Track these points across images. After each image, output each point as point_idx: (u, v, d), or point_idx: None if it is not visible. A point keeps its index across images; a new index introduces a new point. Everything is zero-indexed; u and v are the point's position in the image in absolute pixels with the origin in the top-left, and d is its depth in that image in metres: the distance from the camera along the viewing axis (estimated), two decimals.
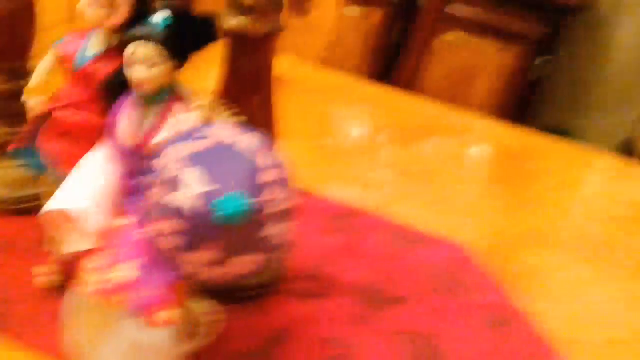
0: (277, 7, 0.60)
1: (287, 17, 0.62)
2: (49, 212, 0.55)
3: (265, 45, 0.62)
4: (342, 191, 0.95)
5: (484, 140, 1.21)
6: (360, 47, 2.24)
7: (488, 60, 2.15)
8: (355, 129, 1.15)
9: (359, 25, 2.20)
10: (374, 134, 1.16)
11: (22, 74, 0.73)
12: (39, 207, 0.76)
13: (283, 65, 0.68)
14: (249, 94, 0.65)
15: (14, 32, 0.69)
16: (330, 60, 1.53)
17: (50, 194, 0.64)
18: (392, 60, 2.28)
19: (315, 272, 0.79)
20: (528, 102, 2.07)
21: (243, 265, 0.58)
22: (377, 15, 2.22)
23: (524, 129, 1.26)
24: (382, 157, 1.09)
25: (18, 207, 0.76)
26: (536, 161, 1.15)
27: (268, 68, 0.64)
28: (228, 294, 0.67)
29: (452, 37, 2.09)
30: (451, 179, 1.06)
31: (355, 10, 2.12)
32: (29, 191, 0.76)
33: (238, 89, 0.64)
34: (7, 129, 0.75)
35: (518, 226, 0.95)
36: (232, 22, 0.59)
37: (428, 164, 1.09)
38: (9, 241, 0.73)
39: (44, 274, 0.68)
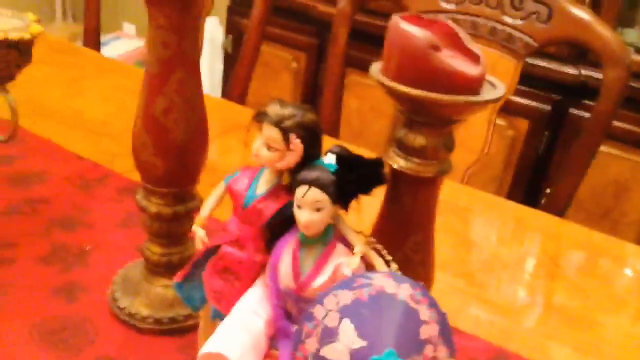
0: (448, 148, 0.57)
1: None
2: (207, 355, 0.54)
3: (432, 185, 0.59)
4: (502, 330, 0.87)
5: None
6: (504, 157, 2.16)
7: None
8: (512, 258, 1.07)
9: (503, 134, 2.13)
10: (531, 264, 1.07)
11: (189, 197, 0.76)
12: (180, 329, 0.78)
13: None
14: (407, 234, 0.61)
15: (186, 161, 0.72)
16: (475, 173, 1.48)
17: (206, 327, 0.64)
18: (536, 171, 2.18)
19: None
20: None
21: None
22: (522, 125, 2.15)
23: None
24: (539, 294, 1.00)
25: (160, 327, 0.77)
26: None
27: (432, 208, 0.61)
28: None
29: (607, 149, 1.96)
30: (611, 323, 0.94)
31: (500, 120, 2.07)
32: (172, 312, 0.77)
33: (396, 228, 0.61)
34: (163, 250, 0.78)
35: None
36: (400, 162, 0.57)
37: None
38: None
39: None
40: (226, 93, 1.85)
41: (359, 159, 0.55)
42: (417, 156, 0.57)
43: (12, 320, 0.77)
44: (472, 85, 0.54)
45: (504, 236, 1.13)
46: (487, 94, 0.55)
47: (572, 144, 2.00)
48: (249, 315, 0.56)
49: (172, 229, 0.77)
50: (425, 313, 0.53)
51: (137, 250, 0.83)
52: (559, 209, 1.31)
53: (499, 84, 0.57)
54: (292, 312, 0.56)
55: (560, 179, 1.34)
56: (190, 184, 0.75)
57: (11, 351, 0.72)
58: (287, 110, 0.54)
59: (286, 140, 0.54)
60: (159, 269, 0.79)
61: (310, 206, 0.53)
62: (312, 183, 0.53)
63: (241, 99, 1.70)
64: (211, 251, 0.59)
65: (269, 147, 0.55)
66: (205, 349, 0.53)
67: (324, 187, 0.53)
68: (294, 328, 0.55)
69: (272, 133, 0.54)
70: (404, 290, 0.52)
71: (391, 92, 0.54)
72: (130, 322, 0.77)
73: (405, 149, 0.57)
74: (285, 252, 0.56)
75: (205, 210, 0.61)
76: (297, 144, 0.53)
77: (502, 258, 1.06)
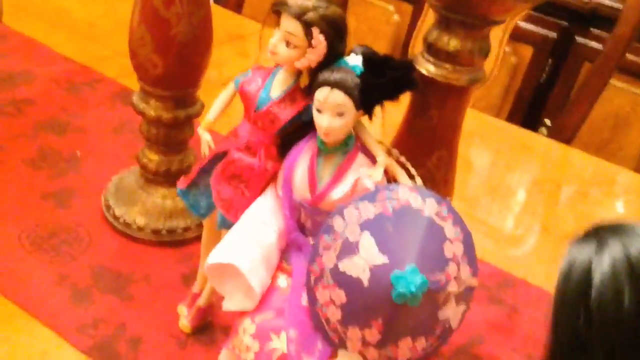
0: (483, 54, 0.52)
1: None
2: (216, 265, 0.50)
3: (463, 95, 0.54)
4: (507, 256, 0.85)
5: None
6: (505, 84, 2.11)
7: None
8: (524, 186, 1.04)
9: (506, 60, 2.07)
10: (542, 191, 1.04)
11: (190, 102, 0.71)
12: (180, 241, 0.74)
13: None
14: (431, 149, 0.57)
15: (187, 60, 0.66)
16: (479, 98, 1.43)
17: (210, 237, 0.60)
18: (536, 101, 2.13)
19: (463, 352, 0.69)
20: None
21: (409, 349, 0.51)
22: (526, 51, 2.08)
23: None
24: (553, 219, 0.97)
25: (157, 238, 0.73)
26: None
27: (459, 121, 0.56)
28: None
29: (611, 81, 1.91)
30: None
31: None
32: (171, 223, 0.73)
33: (420, 142, 0.57)
34: (161, 157, 0.73)
35: None
36: (430, 68, 0.52)
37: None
38: (148, 274, 0.70)
39: (186, 317, 0.64)
40: (220, 0, 1.74)
41: (387, 60, 0.49)
42: (450, 61, 0.52)
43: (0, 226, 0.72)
44: None
45: (509, 162, 1.10)
46: None
47: (577, 73, 1.94)
48: (260, 226, 0.52)
49: (171, 136, 0.72)
50: (450, 230, 0.49)
51: (131, 158, 0.78)
52: (565, 138, 1.27)
53: None
54: (305, 224, 0.52)
55: (570, 106, 1.29)
56: (192, 86, 0.70)
57: (0, 258, 0.69)
58: (310, 1, 0.48)
59: (308, 35, 0.48)
60: (157, 178, 0.74)
61: (332, 110, 0.48)
62: (335, 85, 0.48)
63: (237, 8, 1.61)
64: (218, 158, 0.55)
65: (288, 43, 0.49)
66: (214, 259, 0.50)
67: (348, 90, 0.48)
68: (308, 241, 0.52)
69: (292, 27, 0.48)
70: (430, 206, 0.49)
71: None
72: (126, 231, 0.73)
73: (437, 53, 0.52)
74: (301, 160, 0.51)
75: (212, 114, 0.56)
76: (320, 40, 0.48)
77: (508, 183, 1.03)
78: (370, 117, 0.50)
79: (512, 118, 2.14)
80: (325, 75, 0.48)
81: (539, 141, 1.18)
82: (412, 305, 0.47)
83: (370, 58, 0.49)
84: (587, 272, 0.32)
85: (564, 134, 1.27)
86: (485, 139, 1.14)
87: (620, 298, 0.30)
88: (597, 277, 0.31)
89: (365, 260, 0.47)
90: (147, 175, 0.74)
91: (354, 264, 0.47)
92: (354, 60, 0.49)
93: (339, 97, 0.47)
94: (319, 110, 0.48)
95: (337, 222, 0.48)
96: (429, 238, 0.48)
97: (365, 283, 0.47)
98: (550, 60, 2.14)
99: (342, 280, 0.48)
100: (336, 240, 0.48)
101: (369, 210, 0.48)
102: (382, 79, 0.48)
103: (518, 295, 0.77)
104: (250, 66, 0.55)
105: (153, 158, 0.73)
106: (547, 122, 1.87)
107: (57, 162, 0.83)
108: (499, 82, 2.15)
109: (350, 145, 0.51)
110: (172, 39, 0.64)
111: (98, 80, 1.01)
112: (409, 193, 0.49)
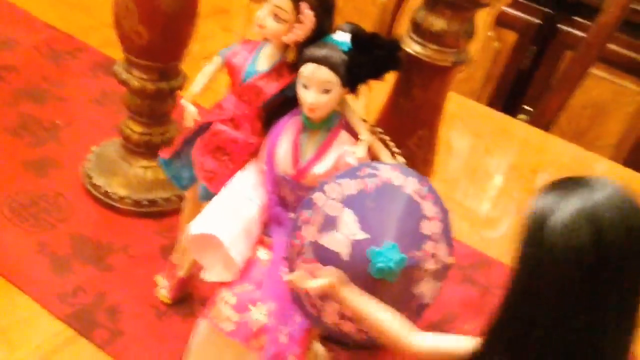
0: (468, 36, 0.52)
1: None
2: (198, 236, 0.50)
3: (446, 76, 0.55)
4: (482, 237, 0.86)
5: None
6: (486, 70, 2.12)
7: (627, 99, 1.98)
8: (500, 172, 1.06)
9: (489, 45, 2.07)
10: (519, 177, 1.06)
11: (173, 74, 0.70)
12: (160, 212, 0.74)
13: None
14: (413, 128, 0.58)
15: (172, 32, 0.66)
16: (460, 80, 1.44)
17: (191, 209, 0.61)
18: (517, 87, 2.14)
19: (436, 328, 0.71)
20: None
21: None
22: (510, 37, 2.09)
23: None
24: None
25: (138, 209, 0.73)
26: None
27: (441, 102, 0.57)
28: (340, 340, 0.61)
29: (592, 70, 1.93)
30: None
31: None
32: (152, 195, 0.73)
33: (403, 121, 0.58)
34: (144, 129, 0.73)
35: None
36: (416, 48, 0.53)
37: None
38: (127, 244, 0.70)
39: (164, 287, 0.65)
40: None
41: (374, 38, 0.50)
42: (435, 42, 0.52)
43: None
44: None
45: (489, 146, 1.12)
46: None
47: (559, 61, 1.96)
48: (241, 199, 0.52)
49: (154, 107, 0.72)
50: (430, 209, 0.50)
51: (113, 129, 0.78)
52: (544, 124, 1.29)
53: None
54: (288, 199, 0.53)
55: (550, 93, 1.31)
56: (176, 59, 0.69)
57: None
58: None
59: (297, 9, 0.48)
60: (139, 149, 0.74)
61: (318, 86, 0.48)
62: (322, 61, 0.48)
63: None
64: (202, 130, 0.55)
65: (276, 17, 0.49)
66: (196, 230, 0.50)
67: (335, 67, 0.48)
68: (289, 215, 0.53)
69: (281, 1, 0.48)
70: (411, 184, 0.49)
71: None
72: (107, 201, 0.73)
73: (423, 34, 0.53)
74: (285, 135, 0.52)
75: (196, 86, 0.56)
76: (308, 15, 0.48)
77: (486, 167, 1.05)
78: (356, 95, 0.51)
79: (492, 103, 2.15)
80: (312, 51, 0.48)
81: (518, 127, 1.20)
82: (389, 280, 0.48)
83: (357, 35, 0.49)
84: (548, 214, 0.34)
85: (543, 120, 1.29)
86: (466, 123, 1.15)
87: (574, 235, 0.33)
88: (556, 218, 0.33)
89: (345, 235, 0.48)
90: (129, 147, 0.74)
91: (334, 238, 0.48)
92: (342, 37, 0.49)
93: (325, 73, 0.48)
94: (305, 86, 0.49)
95: (318, 197, 0.48)
96: (408, 215, 0.49)
97: (345, 257, 0.48)
98: (533, 47, 2.15)
99: (322, 254, 0.48)
100: (317, 214, 0.48)
101: (350, 187, 0.48)
102: (369, 57, 0.49)
103: (491, 275, 0.79)
104: (234, 41, 0.55)
105: (135, 129, 0.73)
106: (527, 108, 1.89)
107: (38, 130, 0.82)
108: (480, 66, 2.16)
109: (335, 121, 0.51)
110: (157, 8, 0.64)
111: (81, 49, 1.00)
112: (391, 171, 0.49)
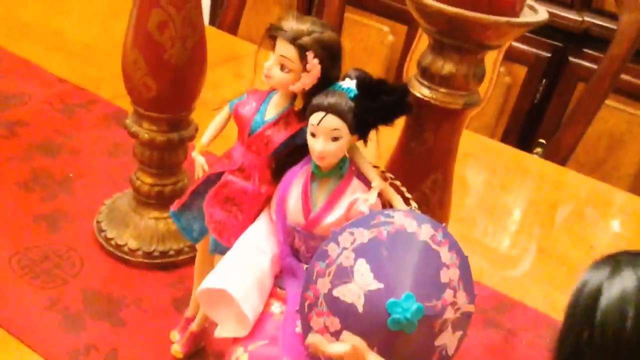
0: (478, 78, 0.52)
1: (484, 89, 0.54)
2: (208, 290, 0.49)
3: (457, 119, 0.54)
4: (504, 277, 0.84)
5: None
6: (499, 105, 2.12)
7: None
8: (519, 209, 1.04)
9: (500, 80, 2.08)
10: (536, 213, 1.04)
11: (183, 125, 0.70)
12: (172, 264, 0.73)
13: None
14: (426, 172, 0.57)
15: (181, 83, 0.66)
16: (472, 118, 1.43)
17: (202, 261, 0.60)
18: (530, 121, 2.13)
19: None
20: None
21: None
22: (520, 71, 2.09)
23: None
24: (544, 240, 0.97)
25: (150, 261, 0.72)
26: None
27: (454, 144, 0.56)
28: None
29: (610, 102, 1.92)
30: None
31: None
32: (163, 246, 0.73)
33: (415, 166, 0.57)
34: (154, 180, 0.73)
35: None
36: (425, 91, 0.52)
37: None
38: (140, 297, 0.69)
39: (178, 342, 0.63)
40: (215, 22, 1.75)
41: (381, 84, 0.49)
42: (444, 85, 0.51)
43: None
44: (513, 7, 0.48)
45: (505, 182, 1.10)
46: (528, 17, 0.49)
47: (571, 93, 1.95)
48: (253, 251, 0.51)
49: (164, 158, 0.71)
50: (446, 255, 0.48)
51: (125, 181, 0.78)
52: (560, 158, 1.27)
53: (540, 8, 0.51)
54: (299, 249, 0.52)
55: (565, 127, 1.29)
56: (186, 109, 0.69)
57: None
58: (305, 26, 0.48)
59: (303, 59, 0.48)
60: (150, 200, 0.73)
61: (326, 134, 0.48)
62: (329, 109, 0.47)
63: (232, 30, 1.61)
64: (212, 180, 0.54)
65: (283, 67, 0.49)
66: (206, 285, 0.49)
67: (343, 114, 0.47)
68: (302, 267, 0.51)
69: (287, 51, 0.48)
70: (426, 231, 0.48)
71: (422, 9, 0.48)
72: (118, 254, 0.72)
73: (431, 77, 0.52)
74: (295, 184, 0.51)
75: (206, 137, 0.55)
76: (314, 64, 0.47)
77: (504, 204, 1.03)
78: (365, 142, 0.50)
79: (506, 138, 2.14)
80: (319, 99, 0.48)
81: (534, 162, 1.18)
82: (408, 332, 0.46)
83: (364, 82, 0.49)
84: (596, 294, 0.32)
85: (559, 154, 1.27)
86: (480, 160, 1.14)
87: (624, 323, 0.30)
88: (604, 300, 0.31)
89: (359, 286, 0.46)
90: (140, 198, 0.74)
91: (348, 289, 0.46)
92: (348, 84, 0.49)
93: (333, 121, 0.47)
94: (313, 135, 0.48)
95: (331, 248, 0.47)
96: (425, 263, 0.48)
97: (360, 309, 0.46)
98: (544, 81, 2.15)
99: (337, 306, 0.47)
100: (330, 265, 0.47)
101: (363, 235, 0.47)
102: (376, 103, 0.48)
103: (515, 318, 0.77)
104: (246, 88, 0.55)
105: (146, 180, 0.73)
106: (542, 141, 1.87)
107: (50, 184, 0.82)
108: (493, 102, 2.16)
109: (345, 169, 0.51)
110: (166, 62, 0.64)
111: (93, 102, 1.01)
112: (404, 218, 0.48)
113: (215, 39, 1.38)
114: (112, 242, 0.73)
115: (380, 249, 0.47)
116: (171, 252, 0.73)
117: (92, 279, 0.70)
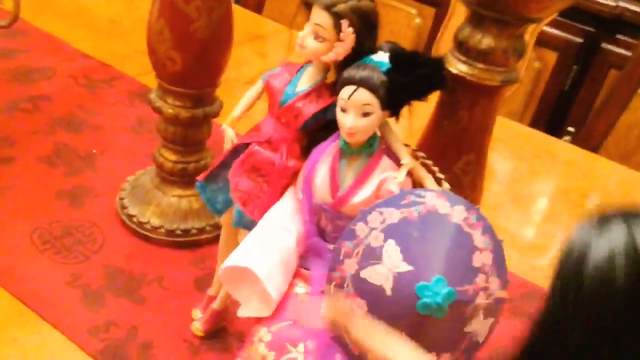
0: (518, 54, 0.49)
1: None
2: (232, 268, 0.48)
3: (494, 96, 0.51)
4: (532, 266, 0.82)
5: None
6: (528, 91, 2.07)
7: None
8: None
9: (529, 65, 2.03)
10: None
11: (208, 101, 0.69)
12: (194, 242, 0.72)
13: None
14: (459, 152, 0.55)
15: (206, 58, 0.64)
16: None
17: (227, 235, 0.58)
18: (559, 108, 2.08)
19: None
20: None
21: None
22: (551, 57, 2.04)
23: None
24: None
25: (172, 239, 0.71)
26: None
27: (489, 124, 0.54)
28: None
29: None
30: None
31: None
32: (186, 224, 0.71)
33: (448, 145, 0.54)
34: (178, 157, 0.71)
35: None
36: (461, 67, 0.50)
37: None
38: (161, 275, 0.68)
39: (199, 320, 0.62)
40: (240, 0, 1.72)
41: (415, 57, 0.47)
42: (482, 60, 0.49)
43: (11, 224, 0.71)
44: None
45: (534, 169, 1.07)
46: None
47: (602, 81, 1.89)
48: (278, 230, 0.50)
49: (188, 135, 0.70)
50: (479, 239, 0.46)
51: (148, 157, 0.77)
52: (591, 147, 1.23)
53: None
54: (326, 229, 0.50)
55: (597, 115, 1.26)
56: (210, 85, 0.68)
57: (10, 257, 0.67)
58: None
59: (337, 27, 0.46)
60: (173, 178, 0.72)
61: (356, 109, 0.46)
62: (360, 83, 0.45)
63: (257, 9, 1.59)
64: (239, 152, 0.52)
65: (317, 36, 0.47)
66: (231, 262, 0.47)
67: (374, 89, 0.45)
68: (328, 247, 0.50)
69: (321, 18, 0.46)
70: (458, 212, 0.46)
71: None
72: (140, 231, 0.71)
73: (468, 52, 0.50)
74: (323, 161, 0.49)
75: (237, 110, 0.54)
76: (348, 33, 0.45)
77: (532, 191, 1.00)
78: (397, 118, 0.48)
79: (534, 126, 2.09)
80: (351, 72, 0.46)
81: (564, 148, 1.15)
82: (437, 317, 0.45)
83: (397, 55, 0.47)
84: (585, 250, 0.31)
85: (590, 143, 1.24)
86: (508, 145, 1.11)
87: (612, 277, 0.29)
88: (594, 255, 0.30)
89: (388, 268, 0.44)
90: (163, 175, 0.73)
91: (376, 271, 0.45)
92: (381, 57, 0.47)
93: (364, 96, 0.45)
94: (343, 110, 0.46)
95: (359, 228, 0.45)
96: (457, 246, 0.46)
97: (388, 292, 0.44)
98: (575, 67, 2.09)
99: (364, 288, 0.45)
100: (358, 246, 0.45)
101: (393, 215, 0.45)
102: (410, 77, 0.46)
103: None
104: (270, 66, 0.53)
105: (169, 157, 0.71)
106: (571, 129, 1.83)
107: (73, 160, 0.82)
108: (522, 88, 2.11)
109: (375, 146, 0.49)
110: (191, 34, 0.62)
111: (117, 78, 1.00)
112: (436, 198, 0.46)
113: (241, 17, 1.36)
114: (135, 219, 0.72)
115: (410, 230, 0.45)
116: (193, 231, 0.72)
117: (113, 255, 0.69)
